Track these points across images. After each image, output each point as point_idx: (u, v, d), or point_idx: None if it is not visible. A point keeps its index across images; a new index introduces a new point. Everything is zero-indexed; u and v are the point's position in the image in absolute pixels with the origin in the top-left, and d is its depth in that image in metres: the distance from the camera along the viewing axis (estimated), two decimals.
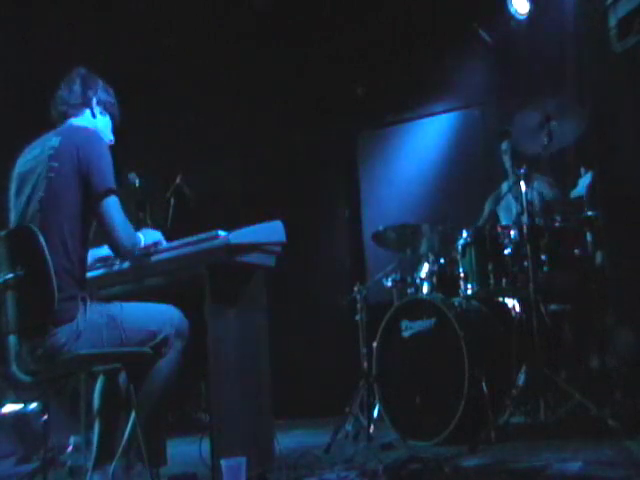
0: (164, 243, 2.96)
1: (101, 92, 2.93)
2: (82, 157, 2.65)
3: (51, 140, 2.73)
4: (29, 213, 2.67)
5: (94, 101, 2.90)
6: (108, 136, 2.96)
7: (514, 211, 4.53)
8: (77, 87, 2.88)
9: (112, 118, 2.99)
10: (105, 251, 3.03)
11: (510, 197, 4.56)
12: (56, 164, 2.66)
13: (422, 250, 4.39)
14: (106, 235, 2.70)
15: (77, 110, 2.88)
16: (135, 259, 2.91)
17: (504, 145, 4.64)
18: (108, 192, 2.66)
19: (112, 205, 2.67)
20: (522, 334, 3.80)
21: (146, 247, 2.87)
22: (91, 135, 2.75)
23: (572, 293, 3.97)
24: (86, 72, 2.94)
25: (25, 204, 2.69)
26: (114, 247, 2.74)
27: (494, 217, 4.76)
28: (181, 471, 3.25)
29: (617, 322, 4.09)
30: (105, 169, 2.68)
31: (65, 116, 2.87)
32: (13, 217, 2.76)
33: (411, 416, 3.78)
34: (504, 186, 4.76)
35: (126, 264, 2.99)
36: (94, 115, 2.91)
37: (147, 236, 2.90)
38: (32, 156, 2.76)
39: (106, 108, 2.95)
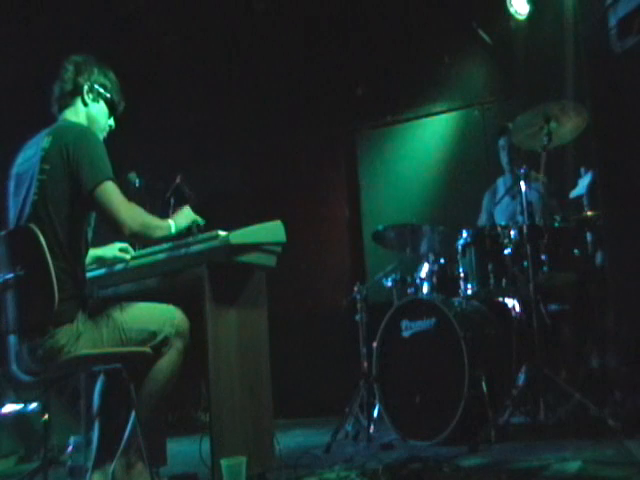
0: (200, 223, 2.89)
1: (96, 77, 2.87)
2: (72, 157, 2.62)
3: (43, 141, 2.70)
4: (24, 215, 2.66)
5: (85, 88, 2.85)
6: (103, 123, 2.91)
7: (511, 211, 4.53)
8: (69, 75, 2.85)
9: (109, 103, 2.91)
10: (108, 252, 3.03)
11: (507, 197, 4.56)
12: (47, 166, 2.64)
13: (422, 250, 4.39)
14: (108, 222, 2.61)
15: (69, 100, 2.85)
16: (171, 249, 2.86)
17: (502, 141, 4.65)
18: (100, 181, 2.60)
19: (108, 190, 2.60)
20: (522, 334, 3.80)
21: (178, 235, 2.81)
22: (81, 133, 2.71)
23: (572, 293, 3.97)
24: (81, 59, 2.89)
25: (21, 205, 2.69)
26: (119, 231, 2.61)
27: (492, 217, 4.76)
28: (181, 471, 3.25)
29: (617, 322, 4.08)
30: (96, 163, 2.63)
31: (59, 107, 2.85)
32: (11, 217, 2.75)
33: (411, 416, 3.78)
34: (499, 182, 4.77)
35: (129, 264, 2.99)
36: (85, 103, 2.86)
37: (178, 220, 2.83)
38: (27, 157, 2.75)
39: (100, 94, 2.87)
